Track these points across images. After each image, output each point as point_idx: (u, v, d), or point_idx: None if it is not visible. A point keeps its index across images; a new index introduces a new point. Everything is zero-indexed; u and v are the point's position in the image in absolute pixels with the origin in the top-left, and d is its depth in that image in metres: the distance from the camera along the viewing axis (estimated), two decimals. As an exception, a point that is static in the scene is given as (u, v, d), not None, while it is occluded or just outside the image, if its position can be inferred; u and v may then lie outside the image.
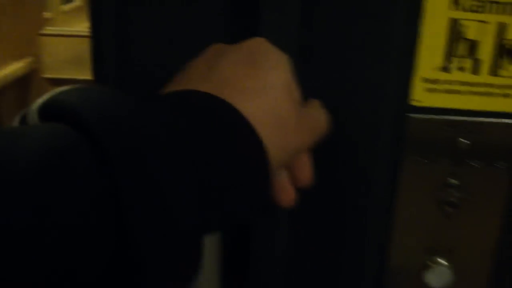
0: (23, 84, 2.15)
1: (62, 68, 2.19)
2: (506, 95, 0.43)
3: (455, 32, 0.42)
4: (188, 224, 0.24)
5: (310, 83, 0.40)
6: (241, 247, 0.43)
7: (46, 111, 0.25)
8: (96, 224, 0.22)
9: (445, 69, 0.43)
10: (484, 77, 0.43)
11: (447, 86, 0.43)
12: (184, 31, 0.42)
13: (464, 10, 0.41)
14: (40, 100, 0.25)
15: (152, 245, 0.23)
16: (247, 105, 0.29)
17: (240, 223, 0.32)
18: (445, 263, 0.47)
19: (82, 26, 2.22)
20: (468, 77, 0.43)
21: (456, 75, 0.43)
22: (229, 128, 0.28)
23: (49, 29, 2.29)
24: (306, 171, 0.35)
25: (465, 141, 0.44)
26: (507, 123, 0.44)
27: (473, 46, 0.42)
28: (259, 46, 0.33)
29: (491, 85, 0.43)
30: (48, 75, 2.21)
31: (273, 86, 0.31)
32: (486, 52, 0.42)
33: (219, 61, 0.32)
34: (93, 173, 0.22)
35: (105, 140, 0.23)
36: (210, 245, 0.40)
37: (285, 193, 0.35)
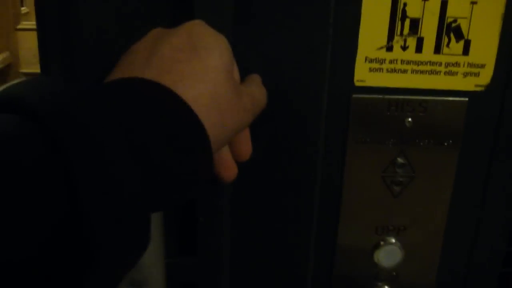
0: (0, 79, 2.13)
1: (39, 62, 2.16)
2: (450, 73, 0.44)
3: (398, 10, 0.42)
4: (135, 199, 0.26)
5: (249, 64, 0.40)
6: (186, 223, 0.43)
7: None
8: (47, 198, 0.23)
9: (389, 48, 0.43)
10: (427, 55, 0.43)
11: (391, 65, 0.43)
12: (126, 19, 0.42)
13: (405, -13, 0.41)
14: None
15: (103, 219, 0.24)
16: (187, 89, 0.31)
17: (185, 201, 0.33)
18: (395, 242, 0.47)
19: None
20: (411, 55, 0.43)
21: (399, 54, 0.43)
22: (170, 113, 0.30)
23: (25, 24, 2.26)
24: (245, 145, 0.38)
25: (411, 120, 0.44)
26: (452, 101, 0.44)
27: (416, 24, 0.42)
28: (197, 29, 0.34)
29: (435, 63, 0.43)
30: (25, 70, 2.19)
31: (211, 69, 0.32)
32: (429, 30, 0.42)
33: (159, 47, 0.33)
34: (42, 152, 0.24)
35: (52, 124, 0.24)
36: (154, 222, 0.40)
37: (227, 168, 0.37)
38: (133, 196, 0.26)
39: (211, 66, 0.32)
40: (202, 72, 0.32)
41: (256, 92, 0.37)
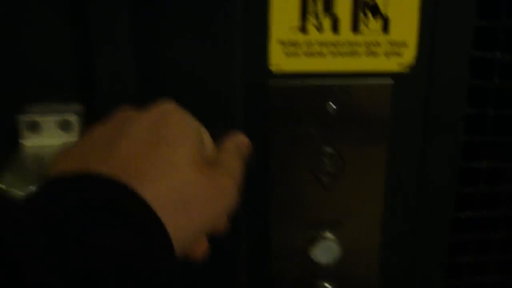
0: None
1: None
2: (371, 53, 0.41)
3: (309, -10, 0.39)
4: None
5: (157, 56, 0.38)
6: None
7: None
8: None
9: (303, 29, 0.40)
10: (345, 35, 0.41)
11: (306, 48, 0.41)
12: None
13: (314, -36, 0.39)
14: None
15: None
16: (148, 188, 0.27)
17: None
18: (332, 237, 0.45)
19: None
20: (328, 36, 0.41)
21: (315, 36, 0.41)
22: (128, 214, 0.26)
23: None
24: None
25: (334, 106, 0.42)
26: (376, 84, 0.42)
27: (329, 2, 0.40)
28: (166, 117, 0.31)
29: (354, 44, 0.41)
30: None
31: (177, 164, 0.29)
32: (344, 8, 0.40)
33: (120, 137, 0.29)
34: None
35: None
36: None
37: (198, 246, 0.32)
38: None
39: (175, 161, 0.29)
40: (164, 170, 0.28)
41: (236, 168, 0.33)
